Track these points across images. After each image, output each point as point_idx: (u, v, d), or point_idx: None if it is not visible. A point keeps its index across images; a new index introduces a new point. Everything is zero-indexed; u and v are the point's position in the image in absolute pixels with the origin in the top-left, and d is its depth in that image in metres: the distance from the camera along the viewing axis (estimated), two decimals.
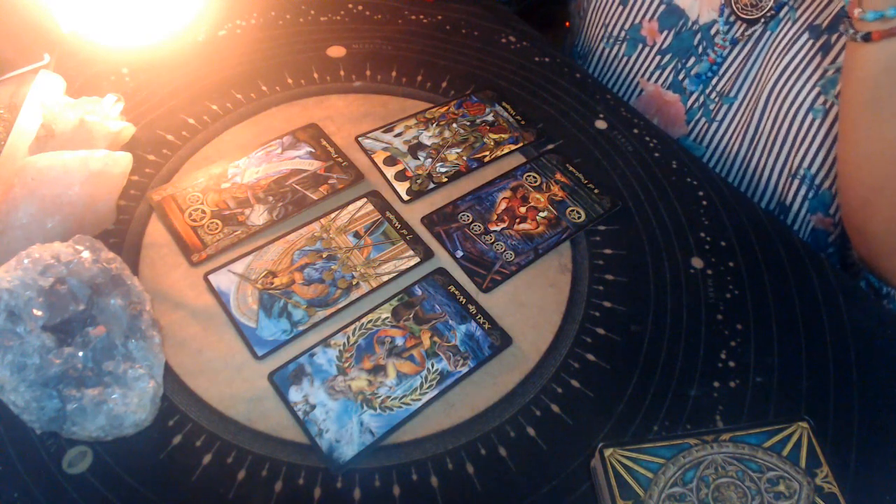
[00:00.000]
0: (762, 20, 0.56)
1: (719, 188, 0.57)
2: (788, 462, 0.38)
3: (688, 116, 0.64)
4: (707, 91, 0.62)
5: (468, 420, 0.42)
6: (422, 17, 0.69)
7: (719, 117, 0.62)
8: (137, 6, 0.63)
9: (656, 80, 0.66)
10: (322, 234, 0.50)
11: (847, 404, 0.44)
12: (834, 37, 0.53)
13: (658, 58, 0.65)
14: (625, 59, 0.68)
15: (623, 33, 0.67)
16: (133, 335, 0.40)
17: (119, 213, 0.49)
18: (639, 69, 0.67)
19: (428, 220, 0.52)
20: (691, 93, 0.63)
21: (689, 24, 0.62)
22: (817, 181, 0.56)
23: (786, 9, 0.55)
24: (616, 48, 0.68)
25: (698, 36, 0.62)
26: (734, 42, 0.58)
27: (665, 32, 0.64)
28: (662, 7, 0.63)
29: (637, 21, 0.66)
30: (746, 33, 0.57)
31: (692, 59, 0.62)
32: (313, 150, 0.55)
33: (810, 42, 0.54)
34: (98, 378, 0.38)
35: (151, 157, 0.53)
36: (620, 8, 0.66)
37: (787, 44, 0.55)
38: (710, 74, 0.61)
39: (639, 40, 0.66)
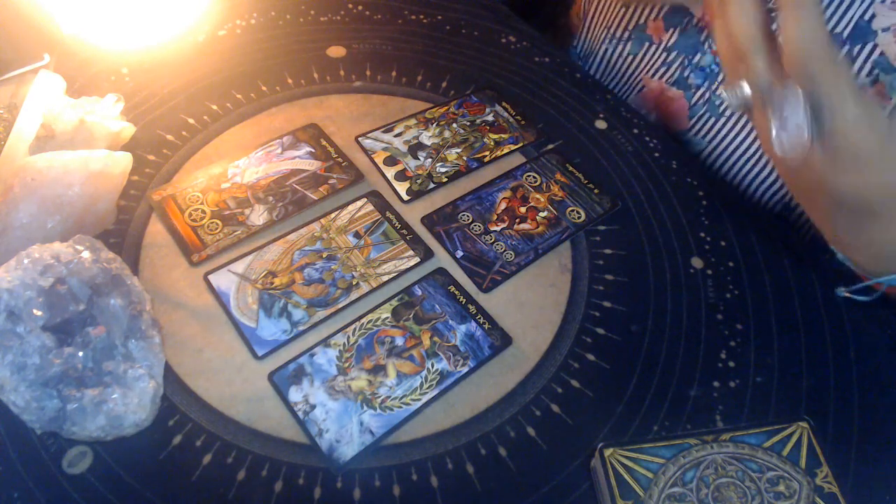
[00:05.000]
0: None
1: (719, 188, 0.57)
2: (788, 462, 0.38)
3: (690, 112, 0.64)
4: (713, 86, 0.62)
5: (468, 420, 0.42)
6: (422, 17, 0.69)
7: (727, 113, 0.62)
8: (137, 7, 0.63)
9: (661, 77, 0.66)
10: (322, 234, 0.50)
11: (847, 404, 0.44)
12: (857, 48, 0.52)
13: (664, 55, 0.65)
14: (630, 57, 0.68)
15: (626, 33, 0.67)
16: (133, 335, 0.40)
17: (119, 213, 0.49)
18: (644, 67, 0.67)
19: (428, 220, 0.52)
20: (697, 87, 0.63)
21: (695, 20, 0.62)
22: None
23: None
24: (620, 47, 0.68)
25: (705, 32, 0.61)
26: None
27: (671, 30, 0.64)
28: (666, 6, 0.63)
29: (642, 20, 0.66)
30: None
31: (698, 56, 0.62)
32: (313, 150, 0.55)
33: None
34: (98, 378, 0.38)
35: (151, 157, 0.53)
36: (623, 9, 0.66)
37: None
38: (714, 67, 0.61)
39: (644, 38, 0.66)
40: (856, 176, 0.37)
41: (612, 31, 0.68)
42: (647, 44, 0.66)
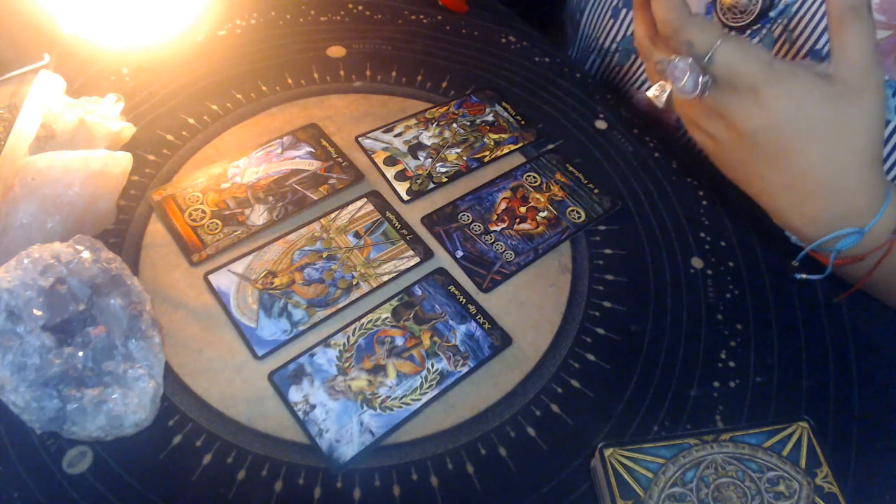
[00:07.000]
0: (749, 27, 0.55)
1: (719, 188, 0.57)
2: (788, 462, 0.38)
3: (678, 124, 0.64)
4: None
5: (468, 420, 0.42)
6: (422, 17, 0.69)
7: None
8: (137, 7, 0.63)
9: (647, 90, 0.66)
10: (322, 234, 0.50)
11: (847, 404, 0.44)
12: None
13: None
14: (616, 68, 0.68)
15: (614, 45, 0.67)
16: (133, 335, 0.40)
17: (119, 213, 0.49)
18: (631, 79, 0.67)
19: (428, 220, 0.52)
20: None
21: None
22: None
23: (780, 28, 0.55)
24: (607, 59, 0.68)
25: None
26: None
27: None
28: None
29: (629, 33, 0.65)
30: None
31: None
32: (313, 150, 0.55)
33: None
34: (98, 378, 0.38)
35: (151, 157, 0.53)
36: (612, 21, 0.66)
37: None
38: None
39: (631, 51, 0.66)
40: (759, 110, 0.42)
41: (599, 42, 0.68)
42: (633, 56, 0.66)
